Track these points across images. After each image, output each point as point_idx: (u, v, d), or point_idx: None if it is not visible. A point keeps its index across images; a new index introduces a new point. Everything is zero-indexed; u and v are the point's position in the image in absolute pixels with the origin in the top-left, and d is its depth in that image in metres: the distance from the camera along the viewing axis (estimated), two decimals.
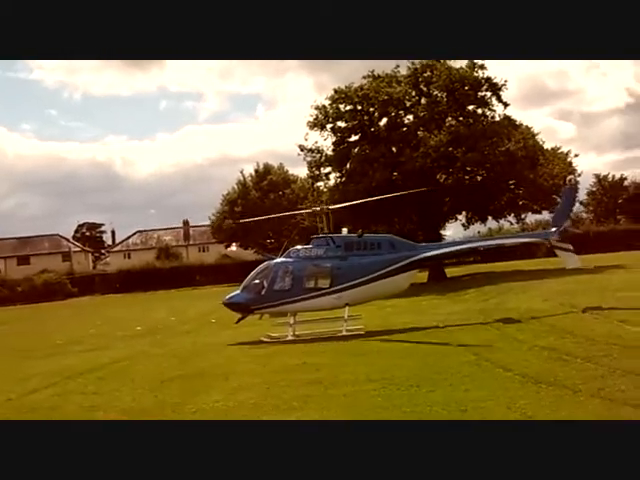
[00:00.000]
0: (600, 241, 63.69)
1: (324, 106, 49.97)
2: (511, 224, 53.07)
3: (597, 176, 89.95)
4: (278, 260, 22.92)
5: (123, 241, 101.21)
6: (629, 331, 16.05)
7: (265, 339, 21.64)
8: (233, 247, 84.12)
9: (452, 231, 55.98)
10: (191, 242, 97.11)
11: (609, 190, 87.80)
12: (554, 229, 22.74)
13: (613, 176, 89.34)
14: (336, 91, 49.78)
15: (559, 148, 51.23)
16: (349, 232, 23.96)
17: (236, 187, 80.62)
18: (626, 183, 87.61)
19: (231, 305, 22.92)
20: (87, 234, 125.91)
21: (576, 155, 52.21)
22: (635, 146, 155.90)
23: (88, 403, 13.14)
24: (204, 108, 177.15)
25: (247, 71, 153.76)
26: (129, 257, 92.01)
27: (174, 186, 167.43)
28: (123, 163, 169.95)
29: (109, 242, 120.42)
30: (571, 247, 22.69)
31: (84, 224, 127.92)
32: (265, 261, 23.80)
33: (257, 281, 22.57)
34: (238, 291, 22.94)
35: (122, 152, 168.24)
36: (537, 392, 10.78)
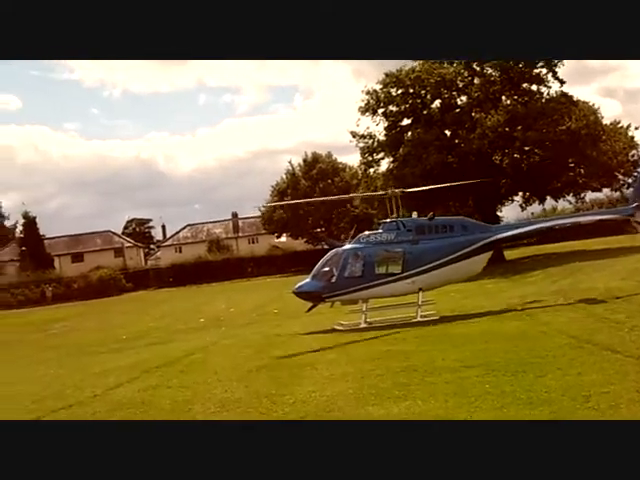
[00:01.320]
0: None
1: (375, 90, 49.25)
2: (570, 203, 51.70)
3: None
4: (347, 246, 22.38)
5: (173, 235, 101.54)
6: None
7: (338, 327, 21.18)
8: (283, 238, 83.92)
9: (508, 213, 54.72)
10: (240, 234, 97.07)
11: None
12: (634, 204, 21.80)
13: None
14: (387, 75, 48.98)
15: (619, 122, 49.53)
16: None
17: (285, 177, 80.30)
18: None
19: (301, 294, 22.46)
20: (137, 230, 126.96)
21: (637, 128, 50.41)
22: None
23: (180, 397, 12.77)
24: (242, 101, 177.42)
25: (283, 62, 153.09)
26: (180, 251, 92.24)
27: (217, 180, 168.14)
28: (166, 159, 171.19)
29: (158, 237, 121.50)
30: None
31: (132, 220, 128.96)
32: (333, 248, 23.29)
33: (327, 268, 22.06)
34: (308, 279, 22.48)
35: (164, 148, 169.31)
36: None
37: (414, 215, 22.76)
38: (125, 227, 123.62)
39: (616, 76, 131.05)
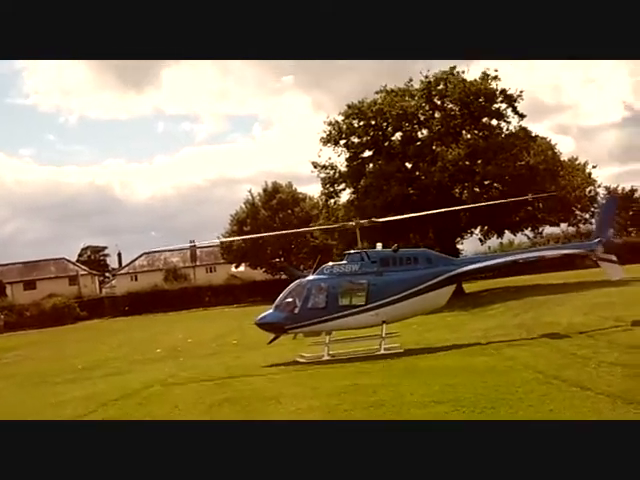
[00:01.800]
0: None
1: (337, 122, 49.62)
2: (528, 238, 52.31)
3: (607, 188, 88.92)
4: (311, 277, 22.10)
5: (129, 263, 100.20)
6: None
7: (300, 359, 20.79)
8: (242, 267, 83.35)
9: (466, 246, 55.13)
10: (198, 263, 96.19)
11: (620, 202, 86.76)
12: (597, 240, 21.96)
13: (623, 188, 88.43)
14: (349, 106, 49.36)
15: (576, 159, 50.56)
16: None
17: (244, 206, 79.94)
18: (637, 195, 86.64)
19: (264, 325, 22.04)
20: (92, 257, 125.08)
21: (594, 166, 51.54)
22: (633, 159, 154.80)
23: None
24: (201, 130, 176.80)
25: (243, 92, 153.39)
26: (136, 279, 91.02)
27: (174, 208, 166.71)
28: (122, 186, 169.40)
29: (113, 265, 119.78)
30: (615, 258, 21.90)
31: (88, 247, 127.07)
32: (294, 278, 23.00)
33: (290, 299, 21.72)
34: (270, 310, 22.10)
35: (121, 175, 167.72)
36: (637, 414, 9.92)
37: (378, 246, 22.61)
38: (80, 254, 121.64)
39: (570, 114, 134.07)
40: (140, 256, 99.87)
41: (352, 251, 22.33)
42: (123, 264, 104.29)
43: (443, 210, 28.70)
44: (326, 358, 20.46)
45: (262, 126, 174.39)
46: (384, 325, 21.07)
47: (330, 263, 23.09)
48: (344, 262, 22.10)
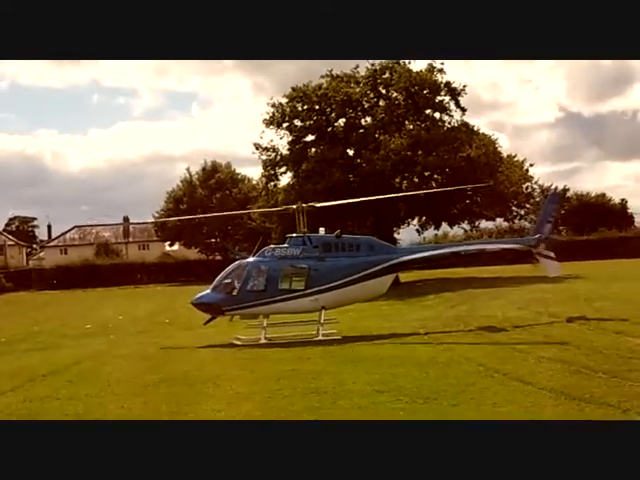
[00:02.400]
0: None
1: (281, 104, 49.04)
2: (465, 231, 52.88)
3: (541, 187, 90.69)
4: (251, 259, 21.72)
5: (59, 236, 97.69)
6: (633, 342, 15.43)
7: (236, 342, 20.43)
8: (176, 246, 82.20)
9: (403, 236, 55.44)
10: (131, 239, 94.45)
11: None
12: (537, 236, 22.19)
13: (556, 187, 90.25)
14: (294, 89, 48.87)
15: (515, 156, 51.30)
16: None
17: (181, 184, 78.68)
18: (568, 195, 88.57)
19: (201, 305, 21.59)
20: (20, 228, 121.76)
21: (531, 165, 52.41)
22: (564, 159, 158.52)
23: (70, 410, 11.73)
24: (138, 104, 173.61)
25: (183, 69, 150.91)
26: (66, 253, 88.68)
27: (107, 182, 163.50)
28: (54, 157, 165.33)
29: (42, 237, 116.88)
30: (553, 255, 22.18)
31: (15, 217, 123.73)
32: (237, 260, 22.59)
33: (228, 280, 21.32)
34: (208, 291, 21.66)
35: (53, 145, 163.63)
36: (581, 411, 9.91)
37: (321, 231, 22.37)
38: (7, 224, 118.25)
39: (506, 112, 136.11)
40: (71, 229, 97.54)
41: (294, 234, 22.01)
42: (53, 236, 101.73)
43: (391, 196, 28.70)
44: (263, 341, 20.16)
45: (201, 105, 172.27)
46: (323, 311, 20.86)
47: (271, 246, 22.78)
48: (286, 245, 21.80)
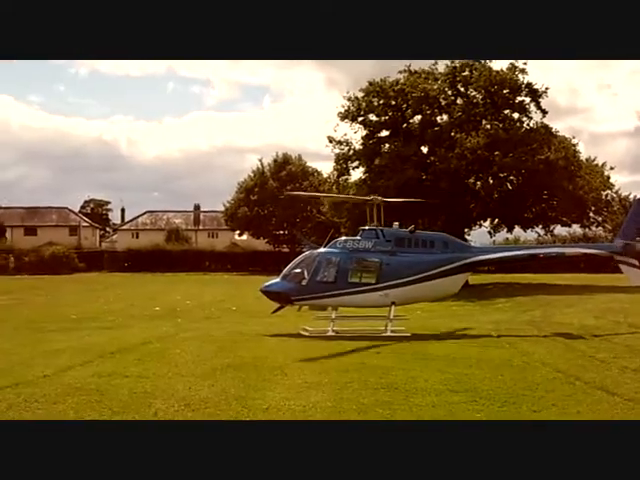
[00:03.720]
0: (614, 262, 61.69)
1: (357, 97, 48.63)
2: (539, 235, 51.58)
3: (618, 195, 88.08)
4: (322, 250, 21.43)
5: (132, 220, 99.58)
6: None
7: (304, 332, 20.19)
8: (244, 236, 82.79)
9: (473, 238, 54.40)
10: (201, 227, 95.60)
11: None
12: (621, 241, 21.27)
13: (635, 196, 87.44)
14: (371, 83, 48.37)
15: (594, 160, 49.60)
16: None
17: (253, 175, 79.08)
18: None
19: (270, 293, 21.41)
20: (94, 210, 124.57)
21: (612, 168, 50.53)
22: None
23: (139, 389, 11.64)
24: (211, 95, 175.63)
25: (256, 61, 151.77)
26: (137, 237, 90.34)
27: (179, 170, 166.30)
28: (129, 143, 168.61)
29: (114, 221, 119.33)
30: (637, 263, 21.21)
31: (91, 200, 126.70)
32: (306, 250, 22.35)
33: (298, 270, 21.07)
34: (277, 279, 21.48)
35: (128, 132, 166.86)
36: None
37: (395, 226, 21.94)
38: (82, 207, 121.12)
39: (582, 117, 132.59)
40: (144, 214, 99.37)
41: (367, 227, 21.63)
42: (125, 220, 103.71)
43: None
44: (330, 334, 19.86)
45: (272, 98, 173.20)
46: (393, 307, 20.45)
47: (343, 237, 22.47)
48: (358, 238, 21.44)
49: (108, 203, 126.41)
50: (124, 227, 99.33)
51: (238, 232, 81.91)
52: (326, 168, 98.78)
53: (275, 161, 79.70)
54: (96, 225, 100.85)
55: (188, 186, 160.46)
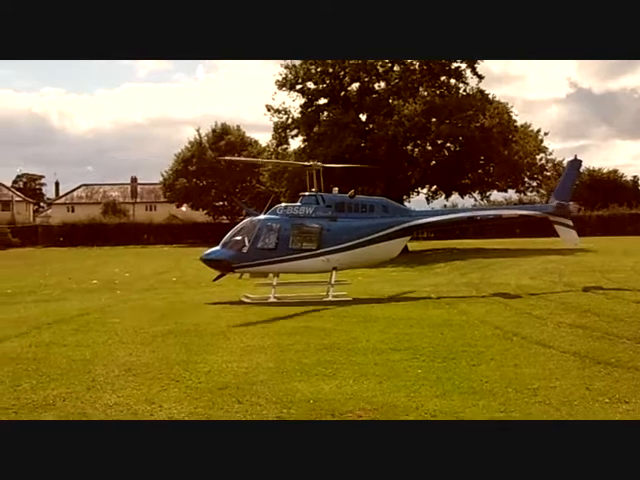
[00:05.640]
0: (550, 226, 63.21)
1: (294, 65, 48.34)
2: (476, 201, 52.34)
3: (552, 161, 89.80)
4: (262, 217, 21.30)
5: (67, 194, 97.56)
6: None
7: (245, 300, 20.11)
8: (183, 208, 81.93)
9: (412, 205, 54.94)
10: (138, 200, 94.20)
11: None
12: (555, 202, 21.68)
13: (576, 156, 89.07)
14: None
15: (529, 126, 50.39)
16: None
17: (190, 146, 78.17)
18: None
19: (210, 262, 21.22)
20: (27, 185, 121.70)
21: (546, 133, 51.49)
22: (573, 136, 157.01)
23: (78, 356, 11.43)
24: (142, 65, 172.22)
25: None
26: (73, 211, 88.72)
27: (113, 143, 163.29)
28: (60, 116, 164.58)
29: (48, 195, 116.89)
30: (571, 223, 21.69)
31: (23, 175, 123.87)
32: (248, 217, 22.19)
33: (239, 238, 20.89)
34: (217, 247, 21.29)
35: (59, 105, 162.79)
36: (609, 374, 9.54)
37: (335, 191, 21.93)
38: (15, 181, 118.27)
39: (515, 85, 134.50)
40: (79, 187, 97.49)
41: (307, 193, 21.58)
42: (60, 194, 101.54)
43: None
44: (272, 300, 19.82)
45: (206, 69, 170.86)
46: (334, 272, 20.50)
47: (283, 204, 22.37)
48: (298, 204, 21.38)
49: (42, 177, 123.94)
50: (59, 201, 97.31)
51: (176, 204, 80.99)
52: (264, 139, 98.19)
53: (214, 131, 78.93)
54: (29, 200, 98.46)
55: (123, 159, 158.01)
